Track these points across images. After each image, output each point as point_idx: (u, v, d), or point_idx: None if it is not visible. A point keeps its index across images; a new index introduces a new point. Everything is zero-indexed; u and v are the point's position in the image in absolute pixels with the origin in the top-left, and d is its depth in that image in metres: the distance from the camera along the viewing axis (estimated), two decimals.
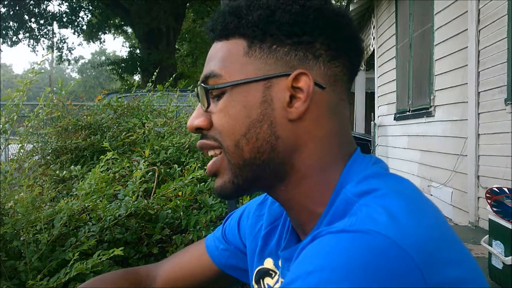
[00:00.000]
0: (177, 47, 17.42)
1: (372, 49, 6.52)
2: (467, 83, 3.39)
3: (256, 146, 0.53)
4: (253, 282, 0.68)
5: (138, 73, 17.41)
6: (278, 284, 0.63)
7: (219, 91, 0.55)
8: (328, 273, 0.39)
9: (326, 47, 0.55)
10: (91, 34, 17.57)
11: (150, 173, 1.92)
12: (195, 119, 0.57)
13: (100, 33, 17.84)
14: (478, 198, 3.24)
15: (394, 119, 5.32)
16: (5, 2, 14.13)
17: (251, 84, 0.54)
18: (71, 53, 19.20)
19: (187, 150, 2.25)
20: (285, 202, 0.58)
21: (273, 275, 0.65)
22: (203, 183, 1.86)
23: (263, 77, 0.53)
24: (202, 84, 0.56)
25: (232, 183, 0.56)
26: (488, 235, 1.95)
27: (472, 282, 0.43)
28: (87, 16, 16.71)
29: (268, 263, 0.66)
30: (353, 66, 0.58)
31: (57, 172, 2.18)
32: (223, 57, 0.55)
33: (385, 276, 0.38)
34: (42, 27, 16.05)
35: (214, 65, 0.56)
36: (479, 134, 3.25)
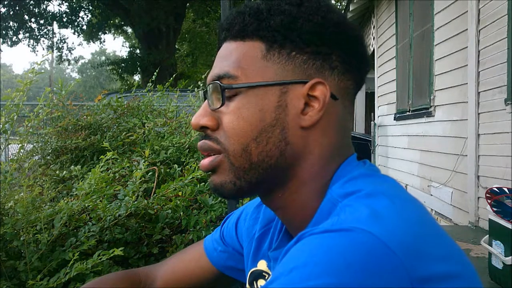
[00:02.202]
0: (177, 47, 17.40)
1: (372, 49, 6.52)
2: (467, 83, 3.38)
3: (265, 150, 0.53)
4: (247, 284, 0.68)
5: (138, 73, 17.39)
6: None
7: (233, 92, 0.54)
8: (311, 268, 0.39)
9: (342, 60, 0.56)
10: (91, 34, 17.55)
11: (150, 173, 1.92)
12: (202, 117, 0.56)
13: (100, 33, 17.80)
14: (478, 198, 3.24)
15: (394, 119, 5.32)
16: (5, 2, 14.13)
17: (268, 87, 0.54)
18: (71, 53, 19.14)
19: (187, 150, 2.26)
20: (280, 209, 0.58)
21: (266, 277, 0.65)
22: (203, 183, 1.86)
23: (281, 82, 0.54)
24: (219, 82, 0.55)
25: (233, 185, 0.55)
26: (488, 235, 1.95)
27: (462, 276, 0.43)
28: (87, 16, 16.68)
29: (262, 265, 0.66)
30: (360, 82, 0.60)
31: (57, 172, 2.18)
32: (238, 58, 0.55)
33: (369, 271, 0.38)
34: (42, 27, 16.02)
35: (228, 65, 0.55)
36: (479, 134, 3.25)
